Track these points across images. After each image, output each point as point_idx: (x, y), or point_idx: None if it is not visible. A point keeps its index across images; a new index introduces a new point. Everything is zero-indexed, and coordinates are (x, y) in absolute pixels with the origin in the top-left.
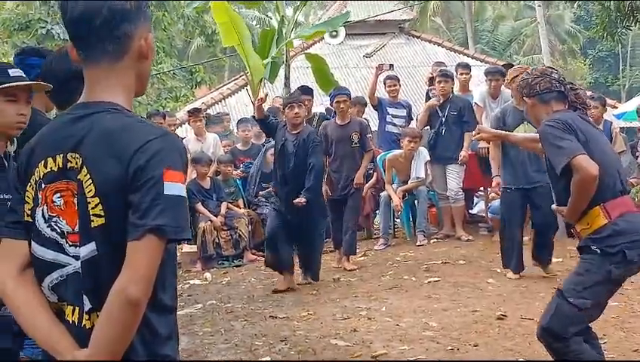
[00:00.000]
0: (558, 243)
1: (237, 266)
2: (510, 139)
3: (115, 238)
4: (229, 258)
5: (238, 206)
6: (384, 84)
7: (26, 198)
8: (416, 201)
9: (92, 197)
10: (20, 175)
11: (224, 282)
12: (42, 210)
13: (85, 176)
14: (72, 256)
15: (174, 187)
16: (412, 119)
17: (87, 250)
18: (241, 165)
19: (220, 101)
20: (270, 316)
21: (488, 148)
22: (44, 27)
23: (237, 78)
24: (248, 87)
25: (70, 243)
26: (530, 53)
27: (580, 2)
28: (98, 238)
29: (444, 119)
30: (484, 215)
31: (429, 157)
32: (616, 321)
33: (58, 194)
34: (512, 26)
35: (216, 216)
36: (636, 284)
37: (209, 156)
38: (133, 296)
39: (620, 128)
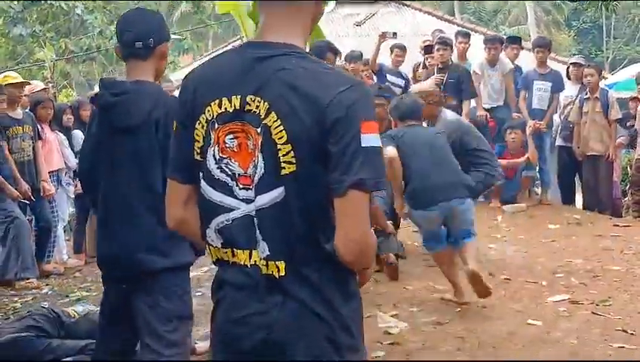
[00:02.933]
0: (554, 209)
1: None
2: None
3: (303, 186)
4: None
5: None
6: (391, 51)
7: (196, 136)
8: None
9: (283, 144)
10: (187, 111)
11: None
12: (214, 151)
13: (275, 122)
14: (242, 200)
15: (371, 138)
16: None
17: (272, 196)
18: None
19: None
20: None
21: (487, 116)
22: None
23: (223, 47)
24: None
25: (241, 186)
26: (515, 24)
27: None
28: (287, 185)
29: (442, 87)
30: None
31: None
32: (619, 284)
33: (231, 136)
34: None
35: None
36: (635, 249)
37: None
38: (346, 260)
39: None
